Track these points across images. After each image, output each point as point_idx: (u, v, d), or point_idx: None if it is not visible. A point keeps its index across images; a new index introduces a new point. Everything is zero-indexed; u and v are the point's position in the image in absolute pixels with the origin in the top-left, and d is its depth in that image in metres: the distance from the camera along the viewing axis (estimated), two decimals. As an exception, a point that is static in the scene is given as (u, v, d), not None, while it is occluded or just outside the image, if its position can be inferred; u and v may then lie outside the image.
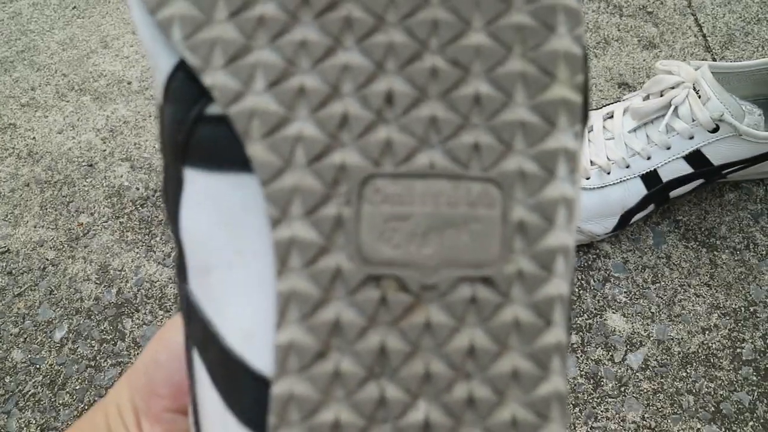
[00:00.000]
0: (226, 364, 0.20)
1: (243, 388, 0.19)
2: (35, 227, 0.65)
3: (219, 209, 0.19)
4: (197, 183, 0.19)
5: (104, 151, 0.70)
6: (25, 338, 0.59)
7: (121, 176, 0.68)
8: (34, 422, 0.55)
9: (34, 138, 0.71)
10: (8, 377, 0.57)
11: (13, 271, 0.62)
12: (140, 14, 0.19)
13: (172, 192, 0.21)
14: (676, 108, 0.56)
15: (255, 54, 0.18)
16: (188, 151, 0.19)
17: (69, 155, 0.70)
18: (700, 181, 0.59)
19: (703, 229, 0.62)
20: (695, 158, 0.57)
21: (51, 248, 0.64)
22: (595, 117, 0.60)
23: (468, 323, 0.18)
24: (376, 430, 0.18)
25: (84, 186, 0.67)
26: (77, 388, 0.56)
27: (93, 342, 0.58)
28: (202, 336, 0.20)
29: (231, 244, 0.19)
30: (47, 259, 0.63)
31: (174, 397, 0.27)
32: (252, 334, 0.19)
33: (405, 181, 0.18)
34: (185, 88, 0.19)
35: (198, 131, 0.19)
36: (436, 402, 0.18)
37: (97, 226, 0.65)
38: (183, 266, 0.21)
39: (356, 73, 0.18)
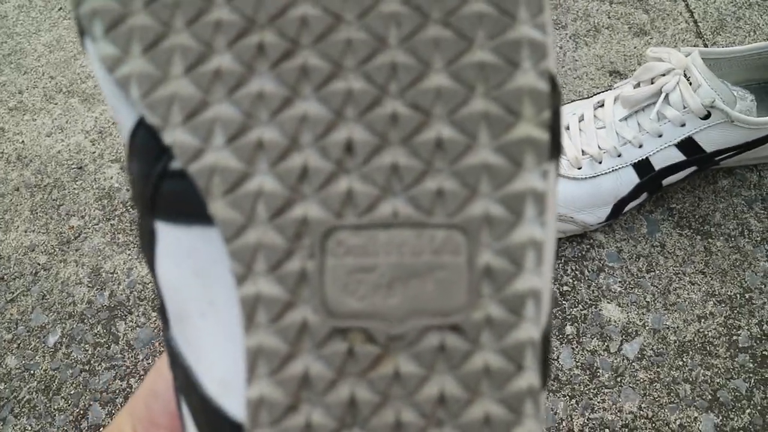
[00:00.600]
0: (206, 411, 0.20)
1: None
2: (26, 232, 0.65)
3: (190, 261, 0.19)
4: (168, 236, 0.20)
5: (93, 153, 0.69)
6: (19, 344, 0.59)
7: (111, 178, 0.67)
8: (29, 428, 0.55)
9: (22, 142, 0.71)
10: (2, 384, 0.57)
11: (5, 277, 0.62)
12: (101, 71, 0.19)
13: (146, 242, 0.21)
14: (667, 95, 0.56)
15: (213, 109, 0.18)
16: (156, 206, 0.19)
17: (58, 158, 0.69)
18: (693, 168, 0.59)
19: (697, 217, 0.61)
20: (687, 145, 0.57)
21: (42, 252, 0.63)
22: (586, 106, 0.60)
23: (437, 371, 0.18)
24: None
25: (74, 189, 0.67)
26: (72, 392, 0.56)
27: (87, 346, 0.58)
28: (185, 382, 0.21)
29: (203, 294, 0.19)
30: (39, 264, 0.63)
31: (172, 426, 0.28)
32: (227, 384, 0.19)
33: (368, 232, 0.18)
34: (148, 144, 0.19)
35: (163, 187, 0.19)
36: None
37: (88, 228, 0.64)
38: (164, 312, 0.22)
39: (315, 123, 0.18)
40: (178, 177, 0.19)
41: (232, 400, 0.19)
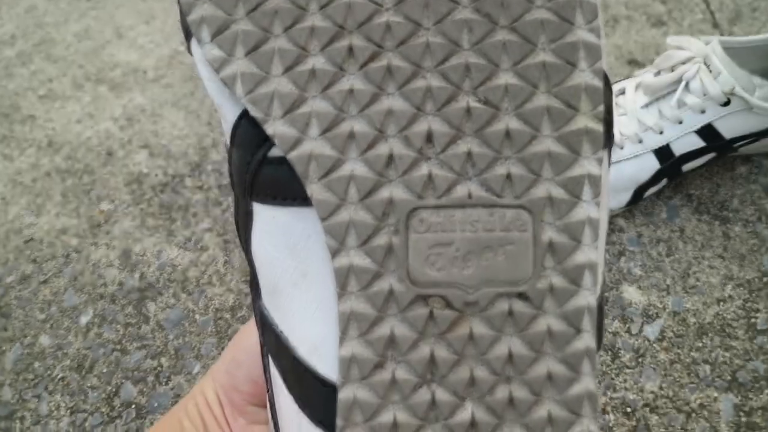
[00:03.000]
0: (297, 372, 0.22)
1: (313, 392, 0.22)
2: (57, 215, 0.66)
3: (285, 237, 0.22)
4: (264, 215, 0.22)
5: (122, 139, 0.71)
6: (52, 324, 0.60)
7: (140, 163, 0.69)
8: (63, 405, 0.56)
9: (53, 128, 0.72)
10: (37, 362, 0.58)
11: (38, 259, 0.64)
12: (206, 71, 0.21)
13: (243, 222, 0.23)
14: (687, 83, 0.57)
15: (309, 104, 0.20)
16: (255, 188, 0.22)
17: (88, 144, 0.71)
18: (712, 154, 0.60)
19: (715, 202, 0.62)
20: (707, 132, 0.58)
21: (74, 235, 0.65)
22: (607, 94, 0.61)
23: (506, 333, 0.20)
24: (429, 430, 0.20)
25: (104, 174, 0.68)
26: (104, 371, 0.57)
27: (118, 326, 0.60)
28: (275, 346, 0.23)
29: (296, 267, 0.22)
30: (70, 246, 0.64)
31: (254, 392, 0.30)
32: (318, 347, 0.21)
33: (446, 211, 0.20)
34: (250, 134, 0.21)
35: (263, 171, 0.21)
36: (481, 403, 0.20)
37: (118, 212, 0.66)
38: (256, 284, 0.24)
39: (399, 117, 0.20)
40: (277, 163, 0.21)
41: (322, 361, 0.21)
